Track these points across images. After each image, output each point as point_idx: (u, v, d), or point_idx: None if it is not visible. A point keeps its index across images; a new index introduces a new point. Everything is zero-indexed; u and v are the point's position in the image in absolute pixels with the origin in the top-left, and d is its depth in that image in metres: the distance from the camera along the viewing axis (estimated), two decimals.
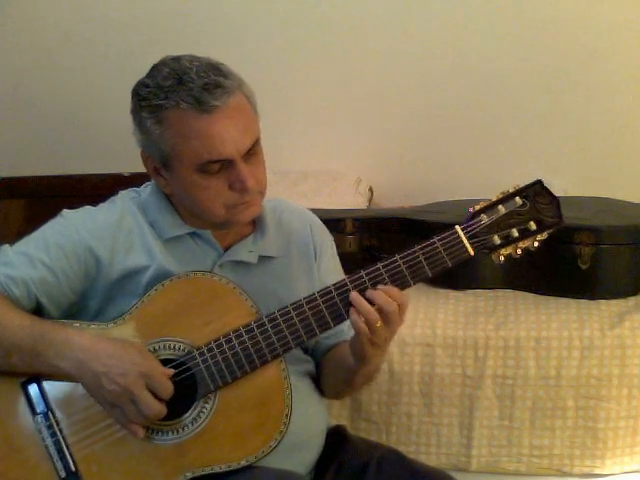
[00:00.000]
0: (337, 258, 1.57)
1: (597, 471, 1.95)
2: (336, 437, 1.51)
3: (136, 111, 1.35)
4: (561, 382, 1.92)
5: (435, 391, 1.97)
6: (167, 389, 1.26)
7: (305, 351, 1.49)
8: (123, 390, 1.23)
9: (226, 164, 1.32)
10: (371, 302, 1.28)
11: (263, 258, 1.45)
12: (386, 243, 2.20)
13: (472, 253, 1.30)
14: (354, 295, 1.28)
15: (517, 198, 1.30)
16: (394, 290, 1.28)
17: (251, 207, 1.37)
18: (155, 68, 1.35)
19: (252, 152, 1.34)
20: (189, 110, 1.28)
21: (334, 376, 1.48)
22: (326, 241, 1.56)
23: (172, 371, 1.28)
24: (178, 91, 1.29)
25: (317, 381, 1.52)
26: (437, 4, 2.91)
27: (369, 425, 1.99)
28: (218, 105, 1.29)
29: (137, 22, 3.04)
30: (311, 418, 1.43)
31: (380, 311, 1.27)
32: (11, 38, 3.13)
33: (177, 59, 1.34)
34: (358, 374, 1.40)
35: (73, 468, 1.28)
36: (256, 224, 1.47)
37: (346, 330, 1.50)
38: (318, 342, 1.51)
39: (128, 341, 1.30)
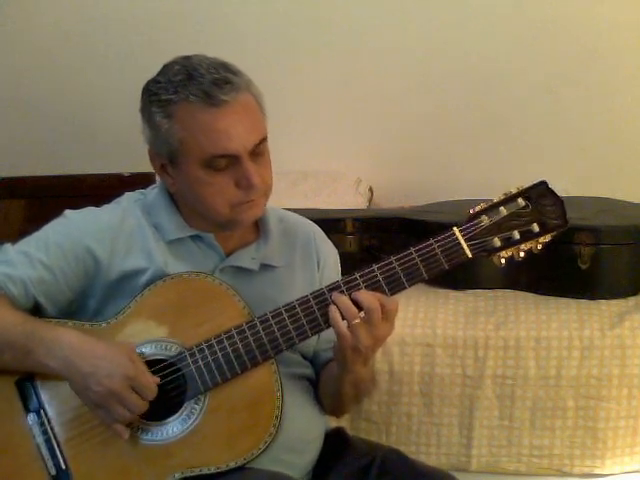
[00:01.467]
0: (339, 271, 1.56)
1: (597, 471, 1.95)
2: (336, 439, 1.50)
3: (146, 107, 1.36)
4: (561, 382, 1.92)
5: (435, 391, 1.97)
6: (152, 391, 1.27)
7: (304, 357, 1.48)
8: (108, 391, 1.24)
9: (232, 161, 1.32)
10: (357, 304, 1.27)
11: (265, 266, 1.44)
12: (386, 243, 2.20)
13: (470, 256, 1.27)
14: (335, 294, 1.28)
15: (520, 199, 1.27)
16: (380, 294, 1.27)
17: (254, 207, 1.36)
18: (166, 66, 1.36)
19: (258, 151, 1.34)
20: (198, 103, 1.29)
21: (327, 389, 1.46)
22: (330, 253, 1.55)
23: (157, 379, 1.28)
24: (188, 85, 1.30)
25: (316, 392, 1.51)
26: (437, 4, 2.91)
27: (369, 425, 1.99)
28: (227, 100, 1.29)
29: (137, 22, 3.04)
30: (307, 421, 1.42)
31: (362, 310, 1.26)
32: (11, 38, 3.13)
33: (187, 57, 1.35)
34: (344, 384, 1.38)
35: (63, 466, 1.28)
36: (260, 231, 1.47)
37: None
38: (317, 353, 1.50)
39: (117, 342, 1.31)
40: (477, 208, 1.29)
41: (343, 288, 1.28)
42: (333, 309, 1.27)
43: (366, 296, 1.26)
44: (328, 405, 1.48)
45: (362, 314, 1.27)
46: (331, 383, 1.43)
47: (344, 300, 1.27)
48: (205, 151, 1.30)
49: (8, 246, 1.40)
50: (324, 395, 1.47)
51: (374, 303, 1.26)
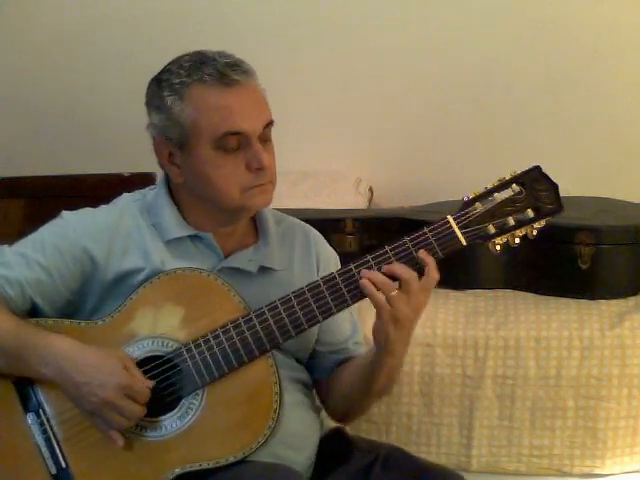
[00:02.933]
0: None
1: (597, 471, 1.95)
2: (337, 438, 1.50)
3: (154, 95, 1.37)
4: (561, 382, 1.93)
5: (435, 391, 1.97)
6: (146, 395, 1.27)
7: (298, 361, 1.48)
8: (102, 401, 1.24)
9: (243, 141, 1.33)
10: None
11: (264, 269, 1.44)
12: (386, 243, 2.19)
13: (464, 243, 1.27)
14: (364, 270, 1.27)
15: (514, 185, 1.27)
16: (429, 259, 1.27)
17: (264, 193, 1.37)
18: (174, 59, 1.39)
19: (266, 136, 1.36)
20: (211, 83, 1.32)
21: (348, 387, 1.45)
22: (329, 256, 1.55)
23: (152, 383, 1.28)
24: (201, 68, 1.34)
25: (323, 399, 1.51)
26: (437, 4, 2.91)
27: (369, 425, 1.99)
28: (239, 80, 1.33)
29: (137, 22, 3.04)
30: (302, 418, 1.42)
31: (398, 281, 1.26)
32: (11, 38, 3.13)
33: (196, 51, 1.38)
34: (380, 373, 1.36)
35: (64, 465, 1.28)
36: (259, 234, 1.47)
37: (351, 347, 1.51)
38: (324, 356, 1.49)
39: (110, 350, 1.31)
40: (471, 195, 1.28)
41: (338, 280, 1.29)
42: (366, 283, 1.26)
43: (400, 267, 1.26)
44: (341, 407, 1.48)
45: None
46: (356, 382, 1.42)
47: (379, 276, 1.26)
48: (218, 129, 1.32)
49: (4, 248, 1.40)
50: (339, 398, 1.47)
51: (409, 272, 1.26)
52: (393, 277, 1.27)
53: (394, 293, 1.26)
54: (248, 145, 1.34)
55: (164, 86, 1.36)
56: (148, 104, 1.39)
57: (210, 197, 1.38)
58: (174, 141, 1.36)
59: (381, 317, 1.28)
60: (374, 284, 1.27)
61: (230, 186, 1.35)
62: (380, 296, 1.26)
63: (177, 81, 1.34)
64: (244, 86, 1.34)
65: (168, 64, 1.39)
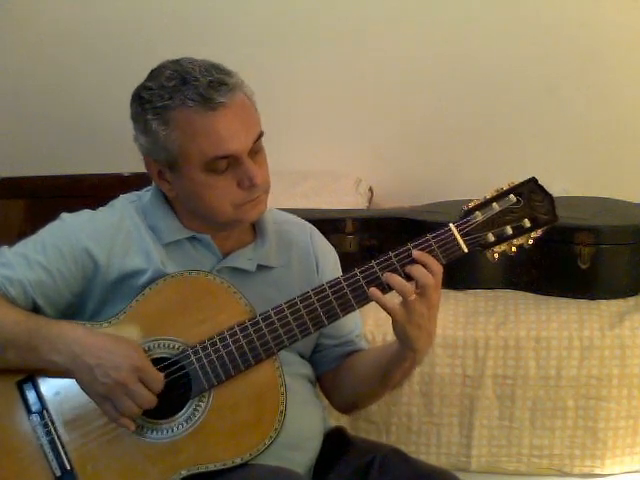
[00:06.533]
0: (340, 269, 1.55)
1: (597, 471, 1.95)
2: (336, 438, 1.50)
3: (139, 115, 1.35)
4: (561, 382, 1.93)
5: (435, 391, 1.97)
6: (159, 382, 1.28)
7: (302, 357, 1.48)
8: (116, 383, 1.24)
9: (233, 161, 1.32)
10: (408, 277, 1.27)
11: (262, 267, 1.44)
12: (386, 243, 2.19)
13: (466, 251, 1.29)
14: (387, 274, 1.27)
15: (511, 195, 1.29)
16: (430, 259, 1.27)
17: (258, 205, 1.37)
18: (155, 71, 1.36)
19: (256, 149, 1.35)
20: (196, 107, 1.29)
21: (360, 380, 1.46)
22: (328, 253, 1.55)
23: (162, 374, 1.29)
24: (183, 90, 1.30)
25: (328, 392, 1.51)
26: (437, 5, 2.91)
27: (369, 425, 1.99)
28: (224, 101, 1.30)
29: (137, 22, 3.04)
30: (307, 419, 1.42)
31: (416, 285, 1.26)
32: (11, 38, 3.13)
33: (176, 61, 1.35)
34: (401, 367, 1.37)
35: (68, 467, 1.28)
36: (257, 233, 1.47)
37: (355, 339, 1.51)
38: (325, 349, 1.50)
39: (121, 336, 1.31)
40: (471, 204, 1.31)
41: (344, 284, 1.29)
42: (374, 290, 1.27)
43: (421, 271, 1.26)
44: (349, 398, 1.49)
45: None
46: (367, 374, 1.43)
47: (398, 280, 1.26)
48: (206, 154, 1.30)
49: (5, 249, 1.39)
50: (349, 389, 1.48)
51: (428, 278, 1.26)
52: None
53: (412, 297, 1.26)
54: (238, 163, 1.32)
55: (147, 108, 1.33)
56: (133, 121, 1.37)
57: (203, 213, 1.38)
58: (162, 162, 1.36)
59: (396, 320, 1.29)
60: (395, 287, 1.27)
61: (223, 204, 1.35)
62: (387, 300, 1.27)
63: (160, 104, 1.31)
64: (229, 106, 1.30)
65: (148, 78, 1.35)
